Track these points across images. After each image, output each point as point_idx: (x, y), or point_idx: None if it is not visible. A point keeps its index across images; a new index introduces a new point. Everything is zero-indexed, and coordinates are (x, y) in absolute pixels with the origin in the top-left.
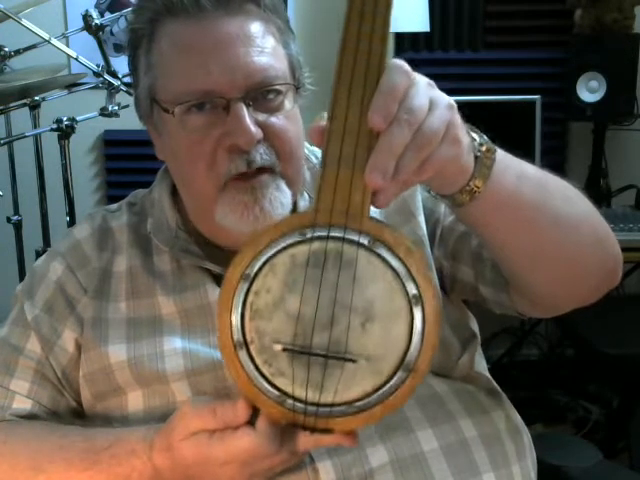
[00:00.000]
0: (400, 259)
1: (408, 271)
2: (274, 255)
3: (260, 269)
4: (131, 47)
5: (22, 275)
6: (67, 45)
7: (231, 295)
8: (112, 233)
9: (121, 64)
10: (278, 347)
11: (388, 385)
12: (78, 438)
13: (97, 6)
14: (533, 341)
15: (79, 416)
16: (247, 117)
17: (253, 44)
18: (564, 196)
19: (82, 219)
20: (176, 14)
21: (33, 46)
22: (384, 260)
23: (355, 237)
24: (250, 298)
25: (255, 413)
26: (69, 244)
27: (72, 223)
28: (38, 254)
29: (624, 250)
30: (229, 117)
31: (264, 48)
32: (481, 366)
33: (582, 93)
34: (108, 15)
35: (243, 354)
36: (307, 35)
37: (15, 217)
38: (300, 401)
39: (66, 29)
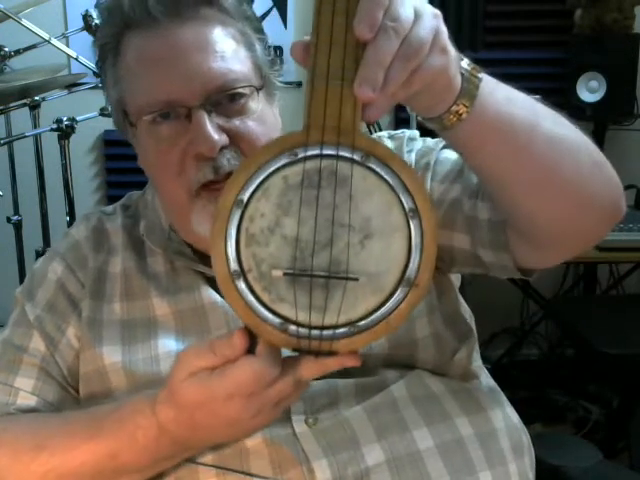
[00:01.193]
0: (394, 173)
1: (403, 184)
2: (266, 178)
3: (253, 194)
4: (100, 62)
5: (22, 275)
6: (67, 45)
7: (225, 223)
8: (107, 234)
9: None
10: (277, 272)
11: (390, 301)
12: (80, 413)
13: (97, 6)
14: (533, 341)
15: None
16: (208, 124)
17: (211, 50)
18: (555, 119)
19: (78, 220)
20: (134, 28)
21: (33, 46)
22: (379, 175)
23: (348, 153)
24: (245, 224)
25: (254, 342)
26: (68, 244)
27: (72, 223)
28: (38, 254)
29: (624, 250)
30: (191, 125)
31: (223, 52)
32: (479, 363)
33: (582, 93)
34: None
35: (241, 283)
36: (307, 34)
37: (15, 217)
38: (303, 326)
39: (66, 29)
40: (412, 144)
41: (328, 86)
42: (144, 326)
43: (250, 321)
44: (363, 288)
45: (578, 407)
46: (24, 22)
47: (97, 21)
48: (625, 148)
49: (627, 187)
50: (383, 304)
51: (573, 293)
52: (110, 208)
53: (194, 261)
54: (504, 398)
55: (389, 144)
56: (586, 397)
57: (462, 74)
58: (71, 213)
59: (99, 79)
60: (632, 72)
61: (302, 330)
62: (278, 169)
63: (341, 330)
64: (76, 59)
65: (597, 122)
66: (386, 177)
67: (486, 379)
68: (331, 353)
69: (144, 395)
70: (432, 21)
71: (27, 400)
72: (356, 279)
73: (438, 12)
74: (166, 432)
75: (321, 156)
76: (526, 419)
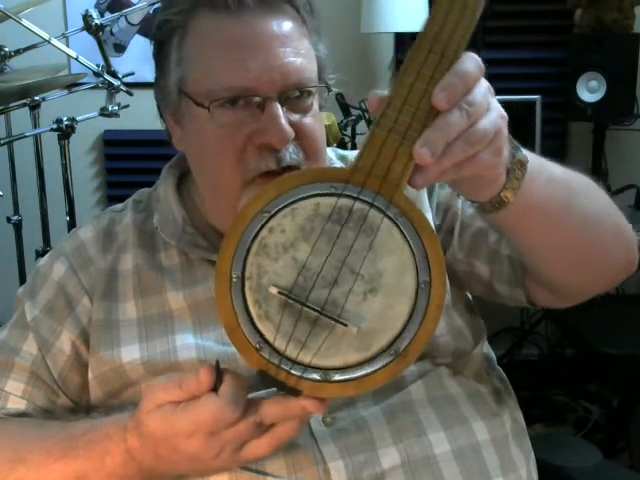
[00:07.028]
0: (421, 241)
1: (425, 255)
2: (300, 199)
3: (281, 209)
4: (160, 38)
5: (22, 275)
6: (67, 45)
7: (245, 224)
8: (116, 234)
9: (121, 64)
10: (274, 290)
11: (372, 364)
12: (59, 429)
13: (97, 6)
14: (533, 341)
15: (76, 415)
16: (282, 117)
17: (290, 45)
18: (588, 193)
19: (88, 220)
20: (212, 8)
21: (33, 46)
22: (405, 237)
23: (383, 206)
24: (263, 233)
25: (219, 381)
26: (73, 245)
27: (72, 223)
28: (38, 254)
29: None
30: (264, 115)
31: (300, 49)
32: (491, 357)
33: (582, 93)
34: (108, 15)
35: (236, 286)
36: None
37: (15, 217)
38: (278, 353)
39: (66, 29)
40: None
41: (388, 138)
42: (161, 322)
43: (230, 326)
44: (349, 338)
45: (578, 407)
46: (24, 22)
47: (97, 21)
48: (625, 148)
49: (627, 187)
50: (363, 364)
51: None
52: (120, 205)
53: (209, 251)
54: (513, 397)
55: None
56: (586, 397)
57: (508, 169)
58: (71, 213)
59: (100, 79)
60: (632, 72)
61: (274, 357)
62: (313, 195)
63: (312, 373)
64: (76, 59)
65: (597, 122)
66: (412, 241)
67: (499, 378)
68: (295, 392)
69: (117, 419)
70: (498, 120)
71: (17, 404)
72: (345, 324)
73: (505, 114)
74: (133, 459)
75: (357, 198)
76: (526, 419)
